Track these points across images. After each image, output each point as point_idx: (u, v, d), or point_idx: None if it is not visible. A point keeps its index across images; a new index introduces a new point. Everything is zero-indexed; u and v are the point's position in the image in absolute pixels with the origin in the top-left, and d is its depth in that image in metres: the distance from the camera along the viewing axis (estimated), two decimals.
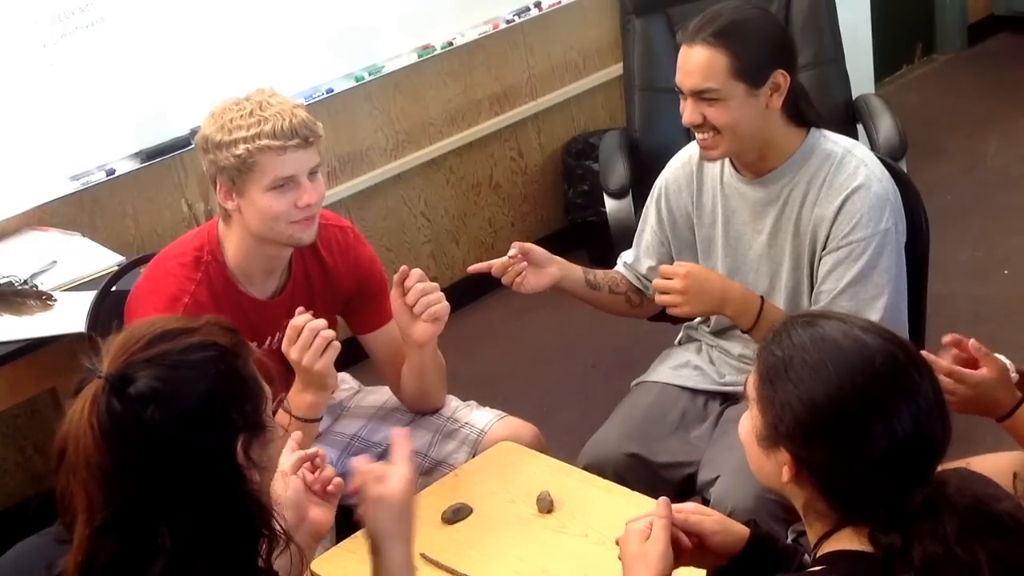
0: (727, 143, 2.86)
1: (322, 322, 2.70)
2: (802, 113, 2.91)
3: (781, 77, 2.81)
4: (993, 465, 2.42)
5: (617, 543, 2.06)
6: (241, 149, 2.65)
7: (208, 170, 2.75)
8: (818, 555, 1.85)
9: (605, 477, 2.85)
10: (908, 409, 1.75)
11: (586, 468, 2.96)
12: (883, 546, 1.74)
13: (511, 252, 3.03)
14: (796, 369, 1.80)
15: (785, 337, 1.85)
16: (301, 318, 2.71)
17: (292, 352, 2.70)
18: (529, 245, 3.08)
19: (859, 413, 1.76)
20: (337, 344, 2.72)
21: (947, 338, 2.45)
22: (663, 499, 2.05)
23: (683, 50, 2.84)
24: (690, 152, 3.10)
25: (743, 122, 2.82)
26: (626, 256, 3.31)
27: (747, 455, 1.94)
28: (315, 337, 2.68)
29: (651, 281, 3.18)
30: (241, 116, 2.67)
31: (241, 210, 2.74)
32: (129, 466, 1.69)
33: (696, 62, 2.80)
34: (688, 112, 2.85)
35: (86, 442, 1.69)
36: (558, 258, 3.15)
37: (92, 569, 1.71)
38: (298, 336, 2.69)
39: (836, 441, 1.78)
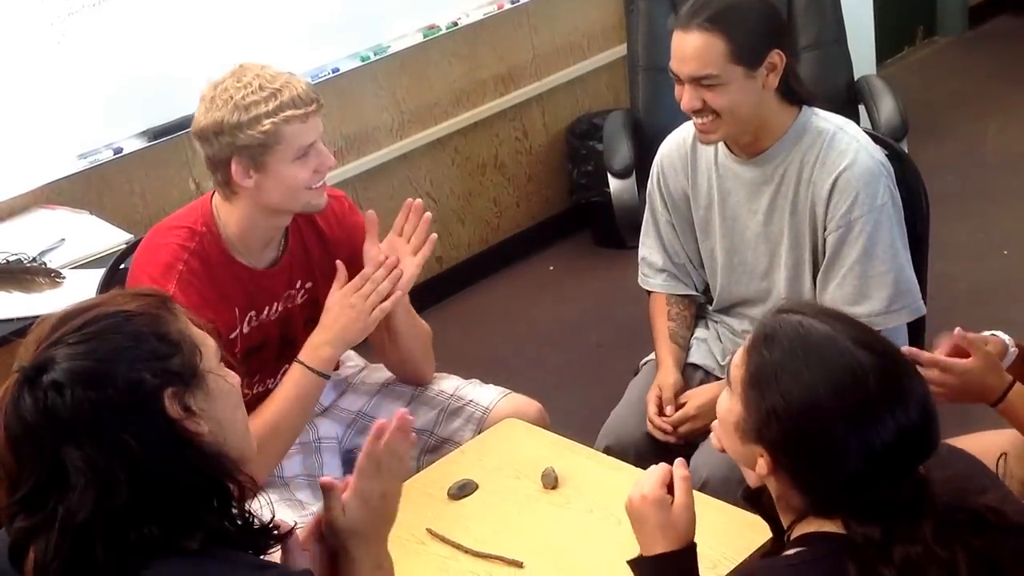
0: (727, 126, 2.85)
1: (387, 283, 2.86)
2: (793, 90, 2.90)
3: (777, 57, 2.80)
4: (983, 444, 2.44)
5: (628, 510, 2.07)
6: (267, 124, 2.64)
7: (218, 154, 2.71)
8: (792, 536, 1.87)
9: (626, 459, 2.86)
10: (895, 425, 1.75)
11: (606, 450, 2.99)
12: (860, 535, 1.75)
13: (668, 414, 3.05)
14: (785, 382, 1.79)
15: (775, 340, 1.84)
16: (369, 267, 2.87)
17: (354, 298, 2.83)
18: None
19: (842, 433, 1.75)
20: (387, 305, 2.86)
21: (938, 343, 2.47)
22: (680, 460, 2.08)
23: (677, 35, 2.81)
24: (683, 134, 3.10)
25: (743, 104, 2.81)
26: (652, 264, 3.25)
27: (722, 433, 1.94)
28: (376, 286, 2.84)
29: (692, 266, 3.20)
30: (252, 92, 2.66)
31: (259, 185, 2.72)
32: (36, 457, 1.69)
33: (693, 48, 2.77)
34: (687, 98, 2.83)
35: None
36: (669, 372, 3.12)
37: (15, 551, 1.72)
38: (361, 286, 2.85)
39: (819, 454, 1.78)
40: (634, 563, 2.06)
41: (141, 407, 1.72)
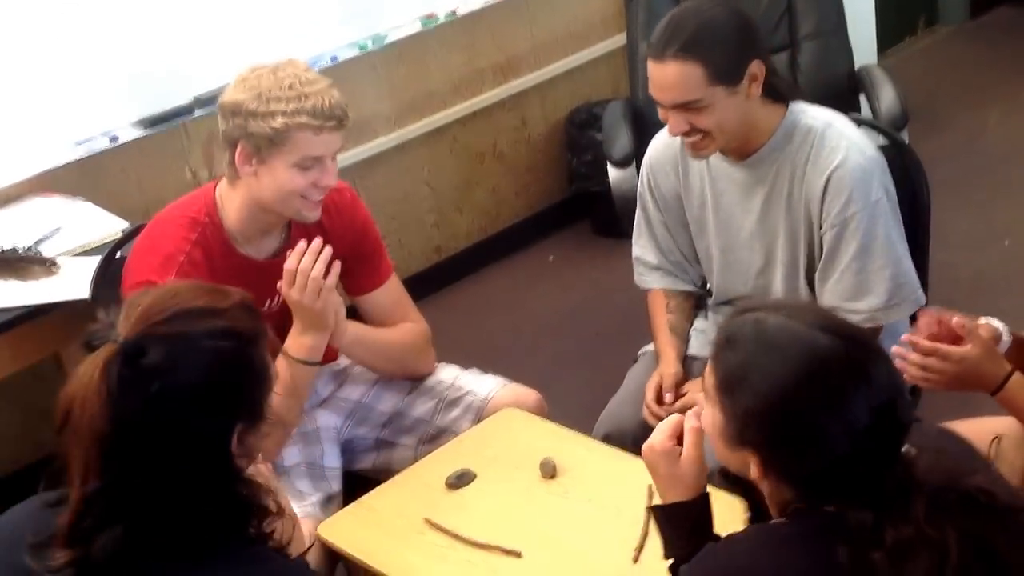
0: (717, 142, 2.83)
1: (319, 265, 2.75)
2: (776, 89, 2.88)
3: (756, 67, 2.78)
4: (979, 428, 2.44)
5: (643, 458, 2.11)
6: (279, 122, 2.66)
7: (229, 132, 2.74)
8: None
9: (624, 447, 2.85)
10: (866, 404, 1.76)
11: (605, 438, 2.99)
12: (853, 520, 1.75)
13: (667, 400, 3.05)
14: (753, 380, 1.81)
15: (736, 342, 1.86)
16: (292, 260, 2.76)
17: (293, 292, 2.74)
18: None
19: (819, 417, 1.77)
20: (333, 279, 2.77)
21: (924, 318, 2.46)
22: (692, 411, 2.08)
23: (654, 66, 2.77)
24: (668, 135, 3.05)
25: (729, 120, 2.79)
26: (647, 263, 3.24)
27: (713, 446, 1.95)
28: (307, 278, 2.74)
29: (689, 263, 3.19)
30: (280, 88, 2.68)
31: (257, 176, 2.75)
32: (128, 437, 1.71)
33: (672, 78, 2.74)
34: (673, 123, 2.80)
35: (92, 407, 1.71)
36: (672, 363, 3.12)
37: (80, 529, 1.74)
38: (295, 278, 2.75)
39: (800, 444, 1.79)
40: (653, 509, 2.13)
41: (215, 435, 1.78)
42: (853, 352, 1.80)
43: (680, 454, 2.07)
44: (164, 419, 1.72)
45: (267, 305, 2.91)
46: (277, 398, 2.79)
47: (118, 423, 1.70)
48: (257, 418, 1.84)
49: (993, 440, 2.46)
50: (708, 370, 1.91)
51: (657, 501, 2.14)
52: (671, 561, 2.07)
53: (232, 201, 2.85)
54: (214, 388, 1.76)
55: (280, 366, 2.78)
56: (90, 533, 1.73)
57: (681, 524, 2.06)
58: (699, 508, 2.06)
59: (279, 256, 2.90)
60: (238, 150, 2.74)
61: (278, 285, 2.77)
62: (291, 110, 2.67)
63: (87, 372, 1.73)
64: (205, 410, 1.75)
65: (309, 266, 2.75)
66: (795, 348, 1.80)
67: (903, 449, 1.81)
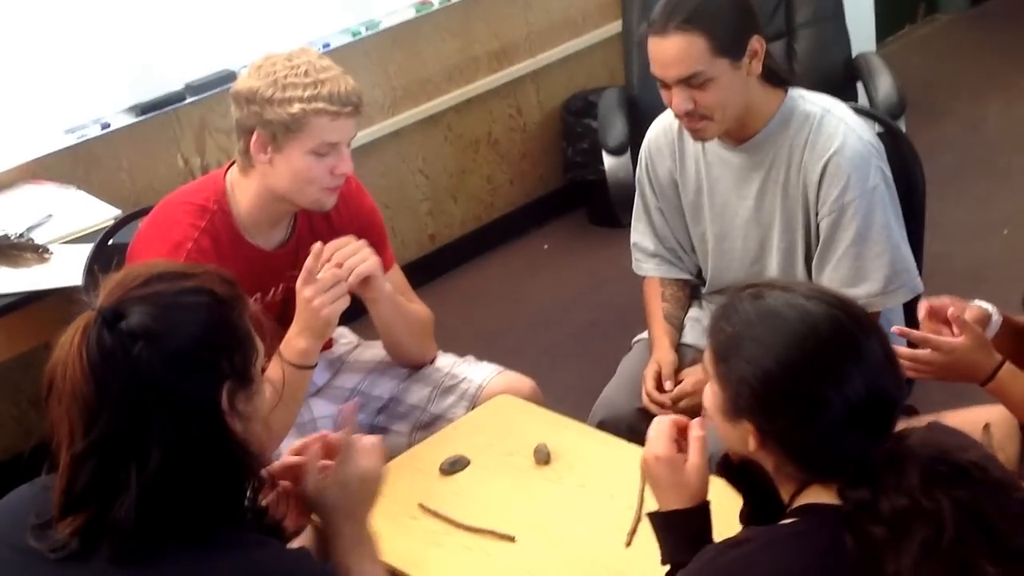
0: (719, 124, 2.82)
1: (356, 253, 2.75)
2: (774, 72, 2.87)
3: (757, 43, 2.78)
4: (966, 419, 2.44)
5: (642, 468, 2.11)
6: (296, 108, 2.66)
7: (244, 120, 2.74)
8: (790, 510, 1.88)
9: (619, 434, 2.85)
10: (857, 370, 1.79)
11: (600, 425, 2.99)
12: (852, 500, 1.77)
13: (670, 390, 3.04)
14: (747, 346, 1.84)
15: (733, 313, 1.89)
16: (328, 249, 2.74)
17: (307, 290, 2.71)
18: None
19: (811, 380, 1.79)
20: (347, 297, 2.75)
21: (921, 311, 2.45)
22: (697, 420, 2.09)
23: (655, 41, 2.77)
24: (669, 119, 3.06)
25: (732, 97, 2.78)
26: (644, 249, 3.24)
27: (714, 420, 1.96)
28: (334, 284, 2.72)
29: (684, 251, 3.18)
30: (296, 75, 2.68)
31: (273, 164, 2.75)
32: (111, 398, 1.72)
33: (675, 51, 2.74)
34: (678, 100, 2.78)
35: (73, 371, 1.73)
36: (667, 351, 3.11)
37: (73, 494, 1.75)
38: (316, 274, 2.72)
39: (794, 410, 1.81)
40: (652, 516, 2.11)
41: (203, 393, 1.78)
42: (846, 320, 1.83)
43: (684, 461, 2.07)
44: (150, 379, 1.73)
45: (270, 294, 2.92)
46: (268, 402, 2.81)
47: (100, 387, 1.72)
48: (245, 378, 1.84)
49: (984, 427, 2.46)
50: (707, 344, 1.92)
51: (652, 506, 2.13)
52: (668, 567, 2.07)
53: (244, 190, 2.84)
54: (197, 344, 1.77)
55: (273, 370, 2.77)
56: (86, 499, 1.74)
57: (684, 531, 2.06)
58: (702, 515, 2.07)
59: (285, 247, 2.92)
60: (253, 138, 2.74)
61: (304, 262, 2.75)
62: (308, 96, 2.67)
63: (67, 340, 1.75)
64: (190, 368, 1.76)
65: (337, 274, 2.73)
66: (789, 314, 1.83)
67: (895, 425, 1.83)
